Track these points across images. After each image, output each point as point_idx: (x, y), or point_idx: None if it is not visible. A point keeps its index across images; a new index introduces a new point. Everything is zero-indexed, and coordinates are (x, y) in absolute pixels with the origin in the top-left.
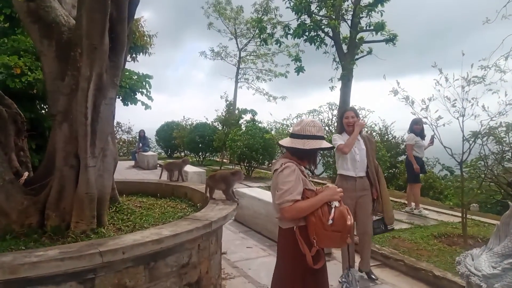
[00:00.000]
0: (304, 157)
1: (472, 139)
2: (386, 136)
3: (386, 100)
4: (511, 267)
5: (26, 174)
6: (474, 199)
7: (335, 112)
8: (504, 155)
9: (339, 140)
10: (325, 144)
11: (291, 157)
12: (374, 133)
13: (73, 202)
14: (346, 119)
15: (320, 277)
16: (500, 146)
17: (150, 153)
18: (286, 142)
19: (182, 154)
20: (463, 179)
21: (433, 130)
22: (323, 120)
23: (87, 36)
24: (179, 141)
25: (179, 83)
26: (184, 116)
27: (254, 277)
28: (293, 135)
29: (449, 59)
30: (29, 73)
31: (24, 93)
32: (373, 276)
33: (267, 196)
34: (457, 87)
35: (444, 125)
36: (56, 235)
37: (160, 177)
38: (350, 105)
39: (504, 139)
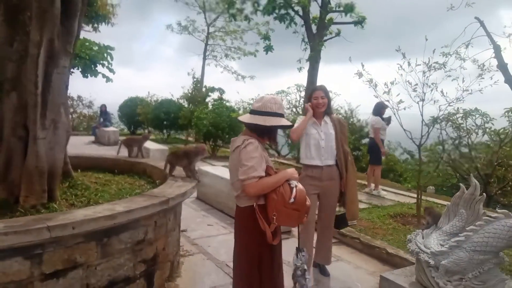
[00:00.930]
0: (264, 134)
1: (431, 124)
2: (352, 119)
3: (352, 83)
4: (457, 245)
5: None
6: (431, 181)
7: (303, 93)
8: (461, 140)
9: (301, 120)
10: (284, 121)
11: (251, 134)
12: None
13: (22, 175)
14: (315, 99)
15: (276, 253)
16: (458, 132)
17: (111, 128)
18: (246, 118)
19: (146, 130)
20: (421, 162)
21: (394, 114)
22: (290, 101)
23: None
24: (143, 117)
25: (146, 58)
26: (149, 92)
27: (213, 254)
28: (254, 112)
29: (417, 45)
30: None
31: None
32: (327, 271)
33: (227, 173)
34: (419, 72)
35: (405, 108)
36: (3, 209)
37: (118, 153)
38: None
39: (462, 125)
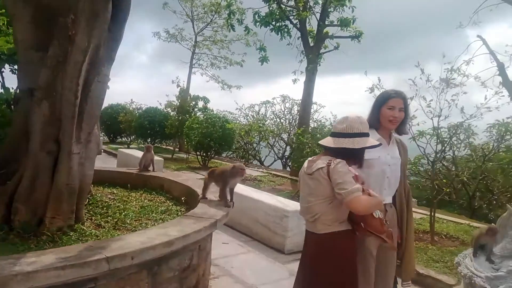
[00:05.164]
0: (352, 156)
1: (418, 138)
2: None
3: (336, 96)
4: None
5: None
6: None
7: (287, 104)
8: (444, 154)
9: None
10: (371, 141)
11: (335, 156)
12: (325, 129)
13: (49, 194)
14: (391, 109)
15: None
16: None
17: None
18: (329, 142)
19: (126, 139)
20: (433, 177)
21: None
22: (275, 112)
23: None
24: (126, 125)
25: (120, 63)
26: (132, 99)
27: (240, 276)
28: (339, 134)
29: (389, 61)
30: None
31: None
32: None
33: (239, 188)
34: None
35: (418, 124)
36: (26, 232)
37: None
38: (313, 99)
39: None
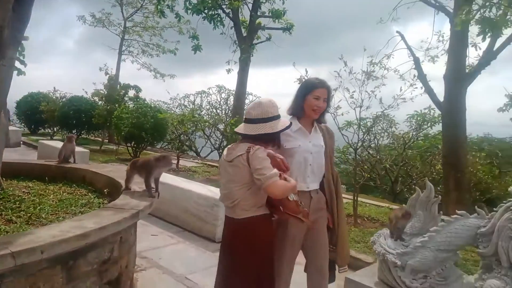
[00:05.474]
0: (270, 141)
1: (346, 128)
2: None
3: (271, 87)
4: (422, 245)
5: None
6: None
7: (223, 95)
8: (370, 143)
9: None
10: (285, 121)
11: (254, 142)
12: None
13: None
14: (316, 99)
15: (273, 267)
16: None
17: (12, 127)
18: (248, 129)
19: (49, 130)
20: (356, 163)
21: (334, 119)
22: (211, 103)
23: None
24: (48, 115)
25: (42, 49)
26: (54, 87)
27: (168, 267)
28: (254, 120)
29: (322, 54)
30: None
31: None
32: None
33: (170, 179)
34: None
35: (342, 114)
36: None
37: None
38: (249, 90)
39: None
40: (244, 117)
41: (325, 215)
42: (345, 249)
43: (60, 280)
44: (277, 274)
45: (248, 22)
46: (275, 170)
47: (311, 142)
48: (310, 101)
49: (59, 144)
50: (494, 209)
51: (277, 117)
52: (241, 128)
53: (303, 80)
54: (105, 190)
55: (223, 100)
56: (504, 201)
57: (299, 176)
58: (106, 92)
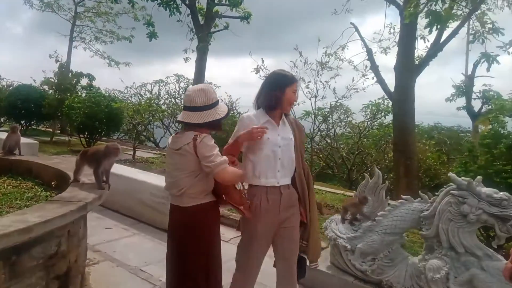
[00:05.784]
0: (216, 127)
1: (304, 117)
2: (232, 112)
3: (232, 77)
4: (370, 229)
5: None
6: None
7: (182, 84)
8: (328, 132)
9: (250, 122)
10: (224, 105)
11: (199, 129)
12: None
13: None
14: (294, 93)
15: (219, 254)
16: (325, 124)
17: None
18: (194, 117)
19: None
20: (312, 152)
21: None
22: (169, 92)
23: None
24: None
25: None
26: (0, 75)
27: (122, 260)
28: (198, 108)
29: (283, 44)
30: None
31: None
32: None
33: (125, 170)
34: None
35: (298, 104)
36: None
37: None
38: (209, 80)
39: (328, 118)
40: (184, 104)
41: (298, 212)
42: (317, 244)
43: (3, 277)
44: (245, 269)
45: (205, 10)
46: (225, 157)
47: (279, 135)
48: (290, 95)
49: (3, 135)
50: (436, 193)
51: (218, 102)
52: (185, 117)
53: (259, 69)
54: (53, 183)
55: (182, 90)
56: (444, 186)
57: (269, 171)
58: (56, 81)
